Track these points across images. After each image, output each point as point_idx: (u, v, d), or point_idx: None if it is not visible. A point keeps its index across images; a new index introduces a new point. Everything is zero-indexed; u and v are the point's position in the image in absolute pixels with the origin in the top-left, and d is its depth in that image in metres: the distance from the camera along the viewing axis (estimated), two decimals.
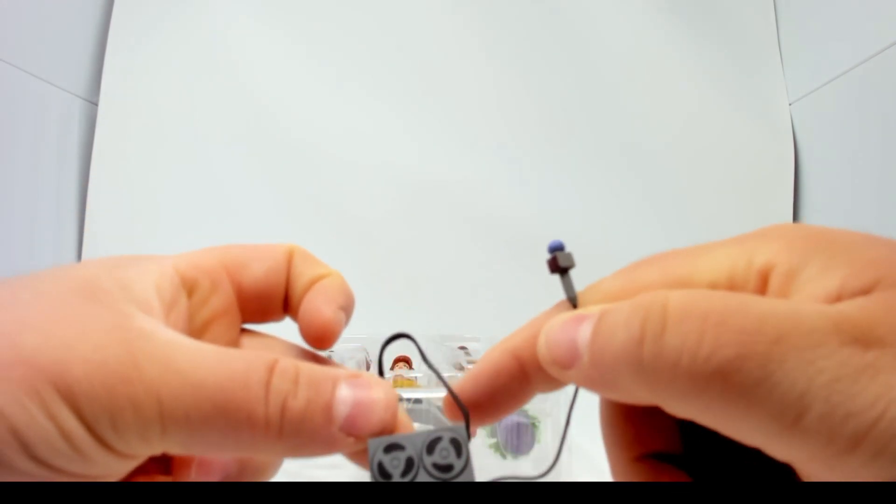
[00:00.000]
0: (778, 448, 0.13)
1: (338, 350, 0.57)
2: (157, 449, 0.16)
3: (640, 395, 0.14)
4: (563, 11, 0.88)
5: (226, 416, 0.16)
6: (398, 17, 0.87)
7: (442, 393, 0.39)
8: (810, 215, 0.84)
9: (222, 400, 0.16)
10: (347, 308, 0.21)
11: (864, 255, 0.14)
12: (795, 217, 0.86)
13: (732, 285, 0.15)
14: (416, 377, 0.47)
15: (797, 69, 0.86)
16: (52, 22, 0.76)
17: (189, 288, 0.20)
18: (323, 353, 0.54)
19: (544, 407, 0.39)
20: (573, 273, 0.18)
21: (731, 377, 0.12)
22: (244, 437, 0.16)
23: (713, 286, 0.15)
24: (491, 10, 0.88)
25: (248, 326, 0.22)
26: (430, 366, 0.22)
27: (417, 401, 0.38)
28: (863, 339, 0.12)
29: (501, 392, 0.19)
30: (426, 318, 0.83)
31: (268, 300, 0.21)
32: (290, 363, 0.17)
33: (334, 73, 0.86)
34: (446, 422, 0.38)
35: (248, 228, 0.83)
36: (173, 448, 0.16)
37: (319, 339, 0.20)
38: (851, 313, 0.12)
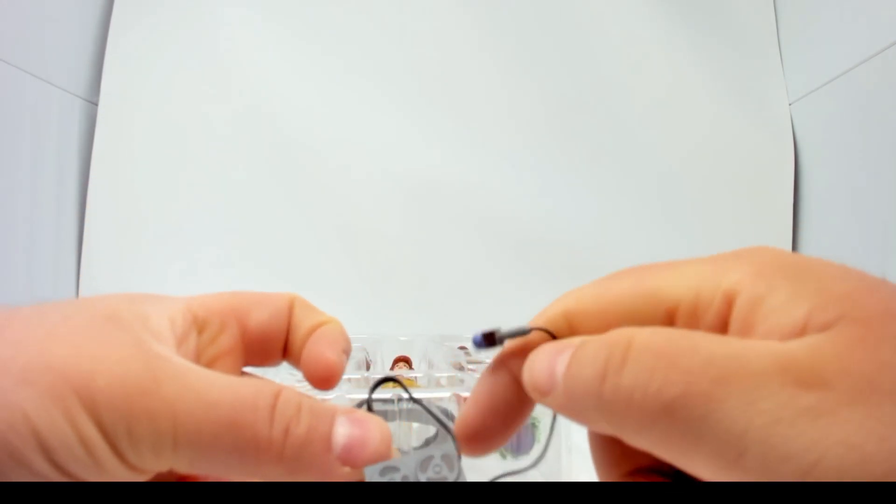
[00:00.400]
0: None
1: None
2: (166, 464, 0.17)
3: (604, 427, 0.15)
4: (564, 14, 0.88)
5: (234, 434, 0.17)
6: (405, 19, 0.87)
7: (441, 393, 0.39)
8: (810, 215, 0.84)
9: (232, 419, 0.17)
10: (347, 352, 0.23)
11: (832, 287, 0.14)
12: (795, 217, 0.86)
13: (697, 303, 0.15)
14: (416, 377, 0.46)
15: (797, 69, 0.87)
16: (51, 22, 0.76)
17: (199, 326, 0.21)
18: None
19: (544, 407, 0.39)
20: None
21: (676, 414, 0.13)
22: (248, 457, 0.17)
23: (679, 302, 0.16)
24: (495, 14, 0.88)
25: (247, 369, 0.23)
26: (422, 406, 0.24)
27: (417, 401, 0.38)
28: (807, 381, 0.12)
29: (504, 409, 0.19)
30: (426, 319, 0.83)
31: (269, 344, 0.22)
32: (293, 393, 0.18)
33: (337, 73, 0.86)
34: (445, 422, 0.38)
35: (248, 228, 0.83)
36: (181, 464, 0.17)
37: (324, 380, 0.21)
38: (800, 354, 0.13)
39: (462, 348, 0.60)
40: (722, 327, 0.15)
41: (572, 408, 0.16)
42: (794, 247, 0.86)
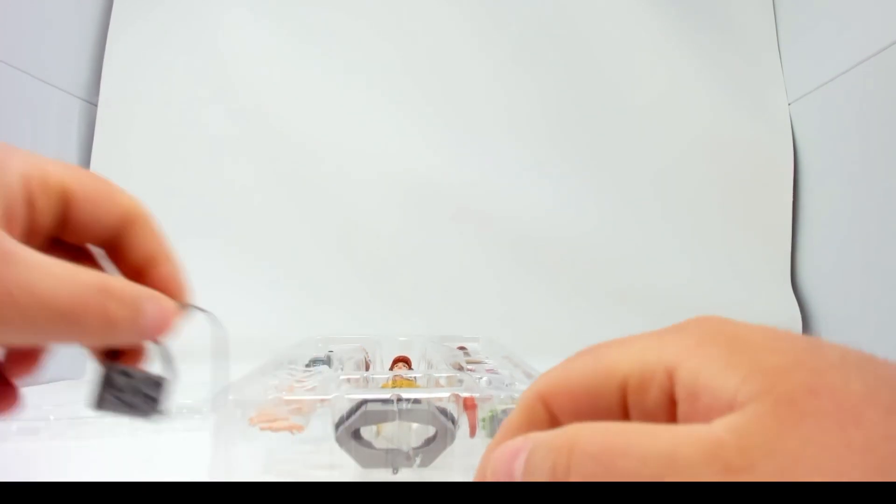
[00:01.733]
0: None
1: (337, 350, 0.57)
2: None
3: None
4: (563, 14, 0.88)
5: (67, 324, 0.20)
6: (403, 19, 0.87)
7: (441, 393, 0.39)
8: (810, 215, 0.84)
9: (66, 314, 0.20)
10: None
11: (762, 359, 0.15)
12: (795, 217, 0.86)
13: (643, 377, 0.17)
14: (415, 377, 0.46)
15: (797, 69, 0.87)
16: (51, 23, 0.76)
17: (30, 199, 0.23)
18: (323, 353, 0.53)
19: None
20: None
21: None
22: (74, 337, 0.21)
23: (628, 377, 0.17)
24: (493, 14, 0.88)
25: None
26: None
27: (416, 401, 0.38)
28: (735, 465, 0.13)
29: None
30: (425, 319, 0.83)
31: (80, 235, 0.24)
32: (116, 285, 0.21)
33: (337, 73, 0.86)
34: (445, 422, 0.38)
35: (247, 228, 0.83)
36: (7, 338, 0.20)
37: (161, 329, 0.24)
38: (726, 438, 0.14)
39: (461, 348, 0.60)
40: (666, 398, 0.16)
41: None
42: (794, 247, 0.86)
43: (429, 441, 0.38)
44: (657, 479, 0.14)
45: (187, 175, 0.83)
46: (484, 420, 0.39)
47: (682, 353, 0.16)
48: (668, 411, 0.16)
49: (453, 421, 0.38)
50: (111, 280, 0.22)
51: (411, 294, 0.84)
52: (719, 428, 0.14)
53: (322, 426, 0.38)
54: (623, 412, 0.18)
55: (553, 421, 0.19)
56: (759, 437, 0.13)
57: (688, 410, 0.16)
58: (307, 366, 0.49)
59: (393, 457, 0.38)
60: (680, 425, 0.15)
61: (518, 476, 0.17)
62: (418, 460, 0.38)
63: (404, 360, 0.56)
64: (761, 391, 0.14)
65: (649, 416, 0.17)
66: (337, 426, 0.37)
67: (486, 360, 0.53)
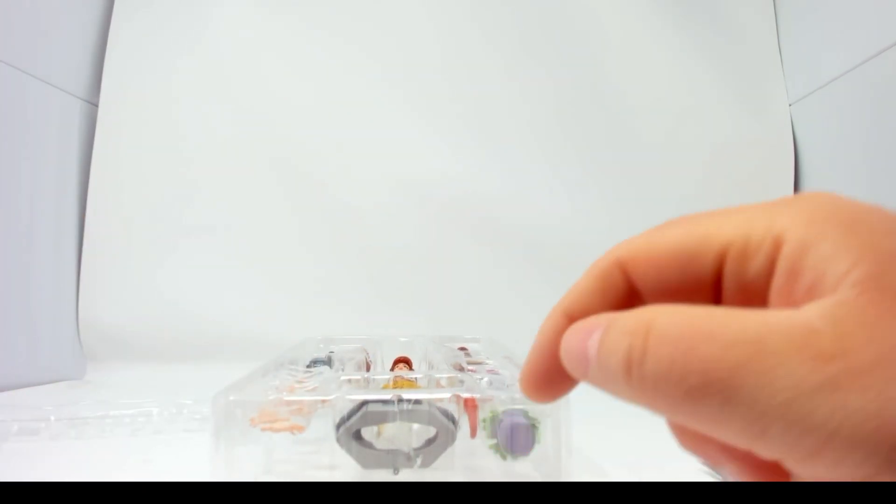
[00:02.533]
0: (756, 451, 0.13)
1: (338, 351, 0.57)
2: None
3: (641, 405, 0.15)
4: (567, 18, 0.88)
5: None
6: (414, 20, 0.87)
7: (442, 394, 0.39)
8: None
9: None
10: None
11: (879, 242, 0.14)
12: None
13: (748, 246, 0.16)
14: (416, 378, 0.46)
15: (797, 69, 0.87)
16: (52, 23, 0.76)
17: None
18: (324, 354, 0.53)
19: (544, 408, 0.39)
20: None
21: (698, 401, 0.13)
22: None
23: (730, 244, 0.16)
24: (504, 21, 0.88)
25: None
26: None
27: (417, 402, 0.37)
28: (826, 353, 0.12)
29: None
30: (426, 320, 0.83)
31: None
32: None
33: (340, 73, 0.86)
34: (446, 422, 0.38)
35: (249, 229, 0.83)
36: None
37: None
38: (820, 326, 0.13)
39: (462, 349, 0.60)
40: (771, 268, 0.15)
41: (608, 390, 0.16)
42: None
43: (429, 442, 0.38)
44: (741, 366, 0.13)
45: (188, 175, 0.83)
46: (485, 420, 0.39)
47: (792, 227, 0.15)
48: (769, 283, 0.15)
49: (454, 422, 0.38)
50: None
51: (412, 294, 0.84)
52: (813, 314, 0.13)
53: (323, 427, 0.38)
54: (714, 283, 0.16)
55: (629, 290, 0.18)
56: (857, 325, 0.13)
57: (782, 286, 0.15)
58: (308, 366, 0.49)
59: (394, 457, 0.38)
60: (769, 311, 0.14)
61: (592, 355, 0.16)
62: (419, 461, 0.38)
63: (405, 361, 0.56)
64: (868, 277, 0.13)
65: (747, 288, 0.16)
66: (338, 427, 0.37)
67: (487, 361, 0.53)
